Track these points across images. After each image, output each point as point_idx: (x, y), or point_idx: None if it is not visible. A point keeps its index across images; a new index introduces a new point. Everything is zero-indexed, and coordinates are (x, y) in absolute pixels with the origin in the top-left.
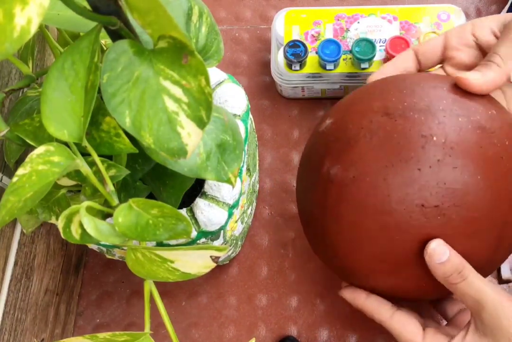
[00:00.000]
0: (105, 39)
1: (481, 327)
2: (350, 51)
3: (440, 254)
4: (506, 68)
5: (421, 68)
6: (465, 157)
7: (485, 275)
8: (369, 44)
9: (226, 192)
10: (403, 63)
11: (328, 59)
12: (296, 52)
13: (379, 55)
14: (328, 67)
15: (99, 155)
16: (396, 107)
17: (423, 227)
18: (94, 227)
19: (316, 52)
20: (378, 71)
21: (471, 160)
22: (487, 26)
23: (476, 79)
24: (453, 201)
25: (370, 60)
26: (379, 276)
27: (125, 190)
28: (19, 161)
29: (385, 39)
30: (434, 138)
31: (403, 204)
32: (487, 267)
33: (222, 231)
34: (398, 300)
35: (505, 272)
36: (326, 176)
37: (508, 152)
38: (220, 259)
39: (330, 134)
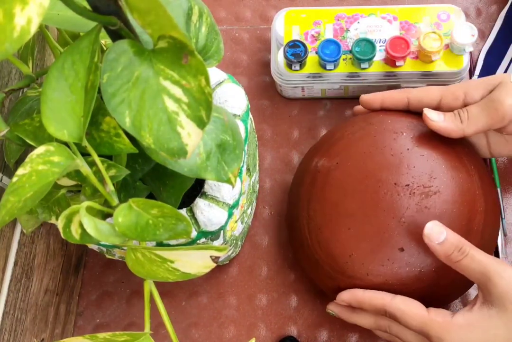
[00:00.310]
0: (105, 39)
1: (489, 298)
2: (350, 51)
3: (438, 233)
4: (465, 128)
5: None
6: (431, 149)
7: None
8: (369, 44)
9: (226, 192)
10: (393, 104)
11: (328, 59)
12: (296, 52)
13: (379, 55)
14: (328, 67)
15: (99, 155)
16: (374, 118)
17: (397, 204)
18: (94, 227)
19: (316, 52)
20: (370, 94)
21: (436, 152)
22: (478, 97)
23: (435, 122)
24: (422, 182)
25: (370, 60)
26: (358, 260)
27: (125, 190)
28: (19, 161)
29: (385, 39)
30: (404, 134)
31: (379, 182)
32: None
33: (222, 231)
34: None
35: None
36: (314, 169)
37: (468, 157)
38: (220, 259)
39: (320, 142)
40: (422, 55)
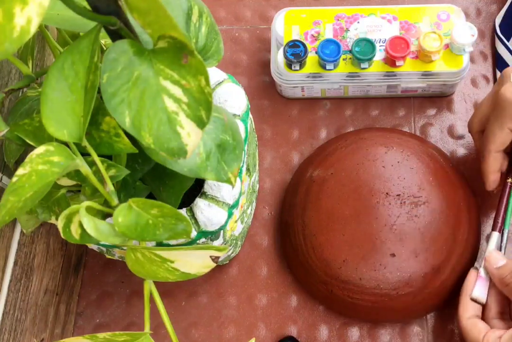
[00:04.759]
0: (105, 39)
1: None
2: (350, 51)
3: (497, 259)
4: None
5: None
6: (419, 163)
7: (444, 278)
8: (369, 44)
9: (226, 192)
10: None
11: (328, 59)
12: (295, 52)
13: (379, 55)
14: (328, 67)
15: (99, 155)
16: (366, 133)
17: (389, 212)
18: (93, 227)
19: (316, 52)
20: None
21: (424, 166)
22: None
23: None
24: (411, 192)
25: (370, 60)
26: (351, 265)
27: (125, 190)
28: (19, 161)
29: (385, 39)
30: (394, 148)
31: (372, 191)
32: (443, 268)
33: (222, 231)
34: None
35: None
36: (309, 179)
37: (452, 171)
38: (220, 259)
39: (314, 154)
40: (422, 55)
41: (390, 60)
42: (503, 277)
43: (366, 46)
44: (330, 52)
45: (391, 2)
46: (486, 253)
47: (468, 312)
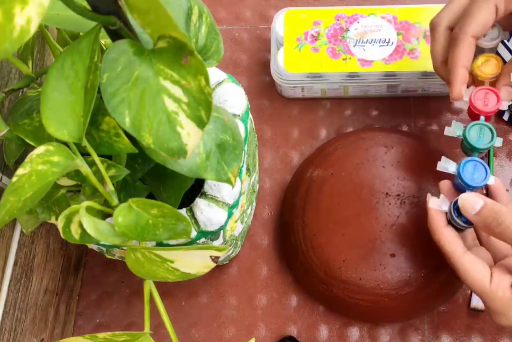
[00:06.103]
0: (105, 39)
1: None
2: (466, 143)
3: (473, 203)
4: None
5: None
6: (419, 163)
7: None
8: (487, 129)
9: (226, 192)
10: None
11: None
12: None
13: (381, 54)
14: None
15: (99, 155)
16: (366, 133)
17: (389, 212)
18: (93, 227)
19: (457, 177)
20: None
21: (424, 166)
22: None
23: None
24: (411, 192)
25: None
26: (351, 265)
27: (125, 190)
28: (19, 161)
29: (385, 39)
30: (394, 148)
31: (371, 191)
32: (443, 268)
33: (221, 231)
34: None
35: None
36: (309, 179)
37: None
38: (220, 259)
39: (314, 154)
40: (477, 81)
41: (474, 114)
42: (487, 224)
43: (484, 134)
44: (478, 175)
45: (391, 2)
46: (460, 200)
47: (459, 246)
